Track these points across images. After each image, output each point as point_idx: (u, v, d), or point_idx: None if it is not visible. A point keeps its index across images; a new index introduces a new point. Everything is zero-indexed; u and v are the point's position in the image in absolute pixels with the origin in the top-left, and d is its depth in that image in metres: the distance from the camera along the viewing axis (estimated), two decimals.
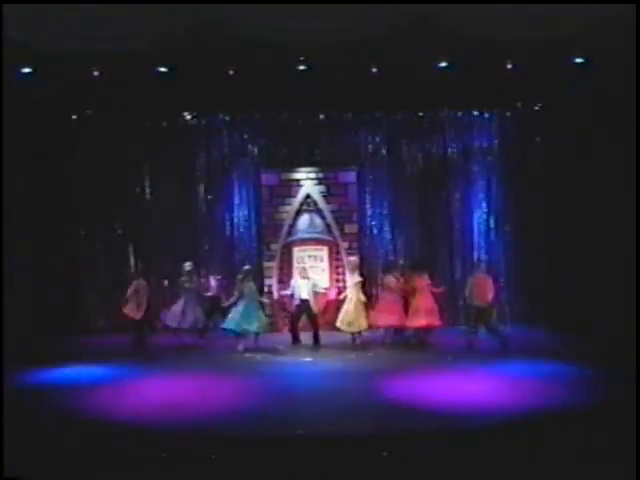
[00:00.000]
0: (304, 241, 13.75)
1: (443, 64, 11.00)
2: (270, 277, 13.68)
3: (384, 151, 14.05)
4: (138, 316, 11.00)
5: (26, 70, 10.50)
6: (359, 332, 11.62)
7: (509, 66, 11.01)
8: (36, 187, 12.45)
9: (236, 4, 8.57)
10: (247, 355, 11.03)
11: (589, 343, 10.72)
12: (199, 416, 7.41)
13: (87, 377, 9.47)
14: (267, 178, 13.88)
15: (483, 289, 11.11)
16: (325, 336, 11.83)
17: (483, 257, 13.81)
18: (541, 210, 13.56)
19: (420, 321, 11.37)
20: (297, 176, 13.84)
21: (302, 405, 7.92)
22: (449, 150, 14.08)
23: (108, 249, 13.85)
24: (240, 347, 11.29)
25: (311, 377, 9.51)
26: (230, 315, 11.32)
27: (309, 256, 13.52)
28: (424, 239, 14.02)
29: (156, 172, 13.96)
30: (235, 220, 13.99)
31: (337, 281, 13.55)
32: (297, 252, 13.65)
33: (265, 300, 12.21)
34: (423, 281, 11.58)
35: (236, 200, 14.01)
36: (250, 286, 11.48)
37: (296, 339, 11.81)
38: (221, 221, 14.05)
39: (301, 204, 13.77)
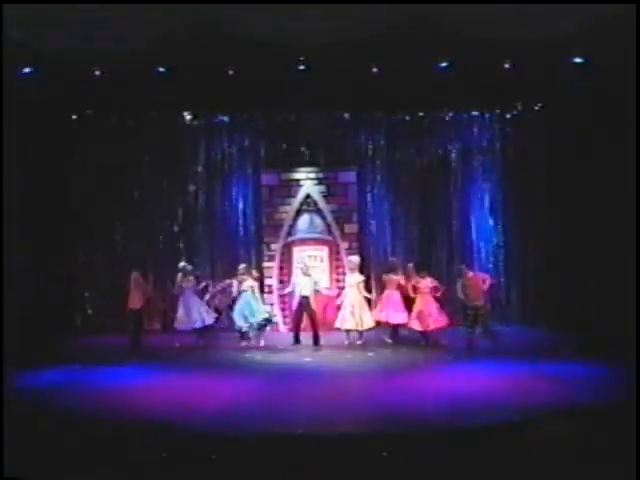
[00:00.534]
0: (304, 241, 13.75)
1: (443, 64, 11.00)
2: (270, 277, 13.68)
3: (384, 151, 14.05)
4: (138, 305, 11.28)
5: (26, 70, 10.50)
6: (363, 330, 11.65)
7: (509, 66, 11.02)
8: (36, 187, 12.42)
9: (236, 4, 8.58)
10: (247, 355, 11.06)
11: (589, 343, 10.71)
12: (199, 416, 7.41)
13: (87, 377, 9.45)
14: (267, 178, 13.88)
15: (475, 288, 11.17)
16: (325, 336, 11.84)
17: (483, 257, 13.84)
18: (541, 210, 13.56)
19: (427, 323, 11.43)
20: (297, 176, 13.84)
21: (302, 405, 7.91)
22: (449, 150, 14.10)
23: (108, 249, 13.86)
24: (243, 343, 11.55)
25: (311, 377, 9.49)
26: (235, 313, 11.57)
27: (309, 256, 13.50)
28: (424, 239, 14.02)
29: (156, 172, 13.95)
30: (235, 220, 13.99)
31: (337, 281, 13.53)
32: (297, 252, 13.65)
33: (267, 308, 12.28)
34: (425, 283, 11.60)
35: (236, 200, 14.01)
36: (248, 283, 11.61)
37: (297, 339, 11.82)
38: (221, 221, 14.05)
39: (301, 204, 13.77)
